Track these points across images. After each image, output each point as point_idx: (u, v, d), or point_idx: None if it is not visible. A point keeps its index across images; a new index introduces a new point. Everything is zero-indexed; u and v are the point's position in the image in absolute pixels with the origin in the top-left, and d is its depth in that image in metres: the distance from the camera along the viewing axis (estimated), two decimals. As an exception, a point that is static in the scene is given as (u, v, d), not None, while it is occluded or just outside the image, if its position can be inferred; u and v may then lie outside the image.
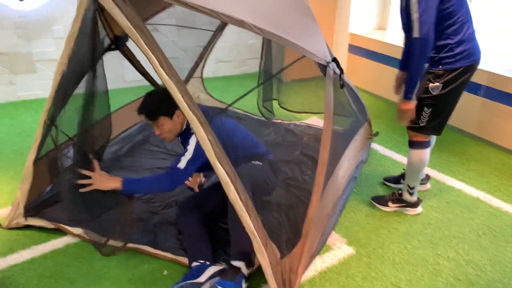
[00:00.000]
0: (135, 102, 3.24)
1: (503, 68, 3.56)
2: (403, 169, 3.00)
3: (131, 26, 1.69)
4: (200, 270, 1.99)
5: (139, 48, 1.72)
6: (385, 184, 2.97)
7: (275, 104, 3.85)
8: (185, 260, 2.14)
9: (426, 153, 2.51)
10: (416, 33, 2.10)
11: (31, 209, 2.39)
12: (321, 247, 2.27)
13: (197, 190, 2.72)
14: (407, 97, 2.27)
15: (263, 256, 1.84)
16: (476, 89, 3.59)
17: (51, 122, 2.18)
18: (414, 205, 2.65)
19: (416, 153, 2.51)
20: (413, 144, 2.52)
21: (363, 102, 3.31)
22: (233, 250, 2.03)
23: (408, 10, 2.14)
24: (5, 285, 2.04)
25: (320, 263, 2.20)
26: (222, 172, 1.76)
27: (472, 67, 2.33)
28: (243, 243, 1.96)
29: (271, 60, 3.65)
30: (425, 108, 2.37)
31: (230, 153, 1.85)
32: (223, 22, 3.58)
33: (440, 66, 2.26)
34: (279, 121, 3.79)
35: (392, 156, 3.40)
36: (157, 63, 1.71)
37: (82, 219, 2.24)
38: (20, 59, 4.27)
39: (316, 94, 3.86)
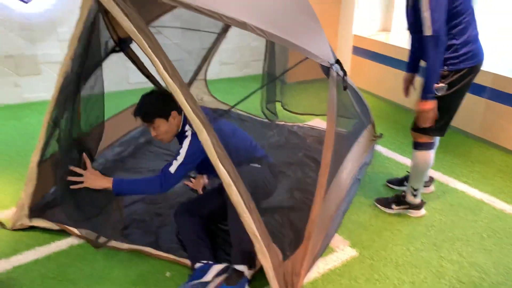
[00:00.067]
0: (138, 104, 3.25)
1: (507, 69, 3.55)
2: (407, 171, 2.99)
3: (134, 29, 1.69)
4: (204, 270, 2.00)
5: (142, 50, 1.73)
6: (388, 187, 2.97)
7: (278, 106, 3.85)
8: (187, 261, 2.14)
9: (431, 154, 2.50)
10: (428, 31, 2.08)
11: (36, 210, 2.40)
12: (324, 249, 2.27)
13: (201, 192, 2.73)
14: (426, 97, 2.22)
15: (265, 257, 1.84)
16: (480, 90, 3.58)
17: (54, 123, 2.19)
18: (418, 207, 2.64)
19: (421, 154, 2.50)
20: (417, 146, 2.52)
21: (366, 104, 3.31)
22: (235, 254, 2.02)
23: (417, 8, 2.13)
24: (9, 286, 2.05)
25: (323, 265, 2.20)
26: (224, 173, 1.77)
27: (475, 68, 2.33)
28: (244, 246, 1.96)
29: (274, 62, 3.65)
30: None
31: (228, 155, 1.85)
32: (227, 24, 3.59)
33: (445, 67, 2.25)
34: (283, 123, 3.79)
35: (396, 158, 3.40)
36: (160, 65, 1.72)
37: (76, 219, 2.27)
38: (25, 61, 4.29)
39: (320, 96, 3.86)
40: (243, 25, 1.91)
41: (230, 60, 5.41)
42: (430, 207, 2.72)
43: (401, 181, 2.93)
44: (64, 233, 2.37)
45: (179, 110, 2.15)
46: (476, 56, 2.30)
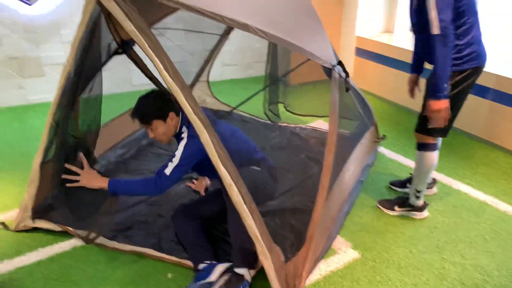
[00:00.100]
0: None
1: (510, 70, 3.53)
2: (410, 173, 2.98)
3: (135, 29, 1.70)
4: (209, 270, 2.01)
5: (144, 52, 1.74)
6: (391, 188, 2.96)
7: (281, 107, 3.85)
8: (189, 262, 2.15)
9: (435, 155, 2.50)
10: (435, 30, 2.06)
11: (39, 211, 2.41)
12: (326, 251, 2.26)
13: (203, 193, 2.73)
14: (438, 96, 2.18)
15: (267, 259, 1.84)
16: (483, 92, 3.57)
17: (57, 125, 2.20)
18: (421, 209, 2.63)
19: (425, 155, 2.49)
20: (421, 147, 2.51)
21: (369, 105, 3.30)
22: (235, 256, 2.02)
23: (422, 8, 2.10)
24: (12, 287, 2.06)
25: (325, 267, 2.20)
26: (226, 175, 1.77)
27: (479, 69, 2.32)
28: (245, 248, 1.96)
29: (277, 64, 3.66)
30: None
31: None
32: (229, 26, 3.60)
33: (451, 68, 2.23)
34: (285, 124, 3.79)
35: (399, 159, 3.39)
36: (161, 66, 1.72)
37: (73, 218, 2.30)
38: (29, 63, 4.32)
39: (322, 98, 3.85)
40: (245, 27, 1.92)
41: (233, 62, 5.42)
42: (433, 209, 2.71)
43: (404, 183, 2.92)
44: (67, 235, 2.38)
45: (177, 111, 2.16)
46: (479, 57, 2.29)
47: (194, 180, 2.82)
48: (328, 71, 2.41)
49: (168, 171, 2.05)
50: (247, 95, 3.84)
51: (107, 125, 3.19)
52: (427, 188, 2.78)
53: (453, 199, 2.84)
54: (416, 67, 2.66)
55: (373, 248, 2.36)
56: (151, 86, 3.27)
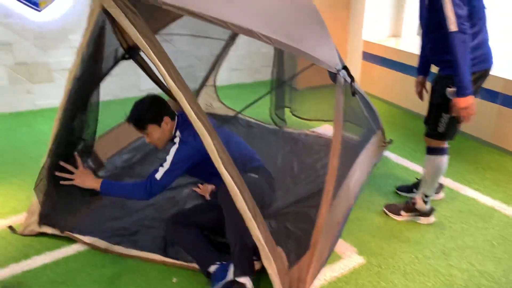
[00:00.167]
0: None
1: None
2: (416, 178, 2.97)
3: (139, 36, 1.71)
4: (224, 269, 2.02)
5: (148, 58, 1.75)
6: (397, 194, 2.94)
7: (287, 112, 3.85)
8: (195, 265, 2.16)
9: (445, 159, 2.48)
10: (453, 27, 2.04)
11: (45, 216, 2.42)
12: (329, 255, 2.25)
13: (208, 197, 2.74)
14: (464, 93, 2.13)
15: (271, 264, 1.84)
16: (492, 96, 3.54)
17: (63, 129, 2.22)
18: (427, 214, 2.61)
19: (435, 159, 2.48)
20: (431, 151, 2.49)
21: (375, 109, 3.29)
22: (235, 264, 1.99)
23: (436, 5, 2.08)
24: (19, 291, 2.08)
25: (330, 272, 2.19)
26: (229, 180, 1.77)
27: (486, 72, 2.32)
28: (245, 255, 1.96)
29: (283, 68, 3.66)
30: (443, 114, 2.34)
31: None
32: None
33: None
34: (290, 130, 3.78)
35: (406, 164, 3.37)
36: (165, 72, 1.74)
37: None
38: (38, 69, 4.37)
39: (329, 102, 3.85)
40: (249, 32, 1.92)
41: (240, 66, 5.44)
42: (439, 214, 2.68)
43: (410, 188, 2.91)
44: (72, 239, 2.39)
45: (172, 116, 2.16)
46: (487, 60, 2.29)
47: (199, 185, 2.83)
48: (333, 76, 2.41)
49: (158, 175, 2.05)
50: (254, 99, 3.84)
51: (113, 130, 3.22)
52: (434, 193, 2.76)
53: (460, 204, 2.81)
54: (422, 69, 2.66)
55: (379, 254, 2.34)
56: (159, 91, 3.30)
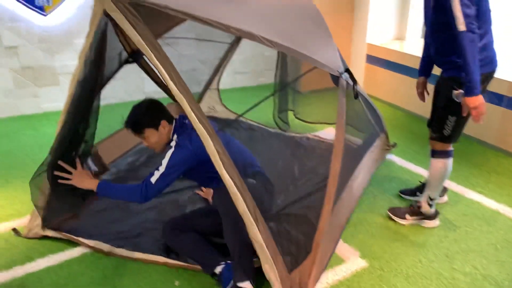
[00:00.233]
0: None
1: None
2: (419, 181, 2.95)
3: (141, 41, 1.73)
4: (230, 268, 2.03)
5: (150, 61, 1.76)
6: (401, 197, 2.93)
7: (290, 115, 3.85)
8: (197, 266, 2.16)
9: (450, 162, 2.47)
10: (461, 27, 2.03)
11: (49, 220, 2.44)
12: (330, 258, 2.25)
13: (211, 200, 2.74)
14: (474, 93, 2.11)
15: (272, 269, 1.83)
16: (497, 99, 3.52)
17: (66, 133, 2.24)
18: (432, 217, 2.60)
19: (441, 162, 2.47)
20: (436, 154, 2.48)
21: (379, 112, 3.28)
22: (235, 270, 1.99)
23: (445, 4, 2.07)
24: (22, 293, 2.10)
25: (332, 276, 2.18)
26: (230, 183, 1.77)
27: (491, 75, 2.31)
28: (244, 260, 1.96)
29: (286, 72, 3.66)
30: (449, 116, 2.33)
31: None
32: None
33: (463, 73, 2.21)
34: (292, 134, 3.77)
35: (410, 167, 3.35)
36: (167, 76, 1.75)
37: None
38: (44, 73, 4.41)
39: (333, 105, 3.85)
40: (250, 36, 1.93)
41: (244, 70, 5.45)
42: (443, 217, 2.67)
43: (413, 191, 2.89)
44: (75, 242, 2.40)
45: (169, 119, 2.17)
46: (492, 63, 2.28)
47: (202, 188, 2.83)
48: (335, 79, 2.41)
49: (153, 179, 2.05)
50: (254, 103, 3.84)
51: (118, 133, 3.23)
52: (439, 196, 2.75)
53: (465, 208, 2.79)
54: (424, 70, 2.65)
55: (381, 257, 2.33)
56: (163, 94, 3.31)
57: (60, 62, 4.43)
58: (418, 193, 2.83)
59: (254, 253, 1.90)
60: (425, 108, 2.81)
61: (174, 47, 3.11)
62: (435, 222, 2.61)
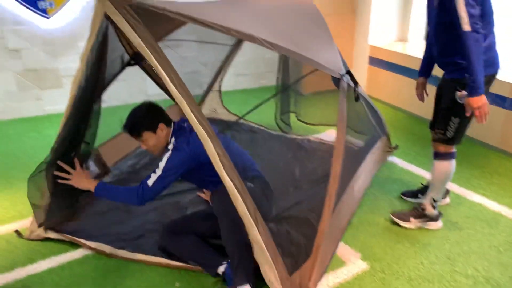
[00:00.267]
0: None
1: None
2: (421, 183, 2.95)
3: (142, 43, 1.74)
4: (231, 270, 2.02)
5: (149, 63, 1.77)
6: (402, 198, 2.92)
7: (292, 117, 3.85)
8: (198, 268, 2.17)
9: (453, 164, 2.47)
10: (466, 27, 2.02)
11: (49, 220, 2.45)
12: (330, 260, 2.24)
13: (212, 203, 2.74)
14: (478, 92, 2.10)
15: (272, 271, 1.83)
16: (500, 101, 3.51)
17: (68, 135, 2.25)
18: (435, 219, 2.59)
19: (443, 164, 2.46)
20: (439, 156, 2.48)
21: (380, 114, 3.28)
22: (235, 274, 1.99)
23: (449, 5, 2.07)
24: (24, 295, 2.10)
25: (333, 278, 2.17)
26: (230, 185, 1.78)
27: (493, 76, 2.31)
28: (245, 264, 1.95)
29: (288, 74, 3.67)
30: (453, 118, 2.33)
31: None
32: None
33: (466, 75, 2.18)
34: (293, 136, 3.77)
35: (412, 169, 3.34)
36: (167, 78, 1.76)
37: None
38: (47, 75, 4.43)
39: (334, 107, 3.85)
40: (251, 38, 1.94)
41: (245, 72, 5.46)
42: (445, 219, 2.66)
43: (415, 193, 2.88)
44: (77, 244, 2.41)
45: (167, 122, 2.17)
46: (495, 64, 2.28)
47: (204, 190, 2.83)
48: (336, 81, 2.41)
49: (150, 182, 2.05)
50: (255, 105, 3.85)
51: (120, 136, 3.24)
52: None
53: (467, 210, 2.78)
54: (424, 71, 2.65)
55: (383, 259, 2.33)
56: (165, 96, 3.32)
57: (63, 65, 4.45)
58: (419, 195, 2.83)
59: (253, 256, 1.90)
60: (427, 110, 2.81)
61: (176, 50, 3.11)
62: (438, 224, 2.60)
